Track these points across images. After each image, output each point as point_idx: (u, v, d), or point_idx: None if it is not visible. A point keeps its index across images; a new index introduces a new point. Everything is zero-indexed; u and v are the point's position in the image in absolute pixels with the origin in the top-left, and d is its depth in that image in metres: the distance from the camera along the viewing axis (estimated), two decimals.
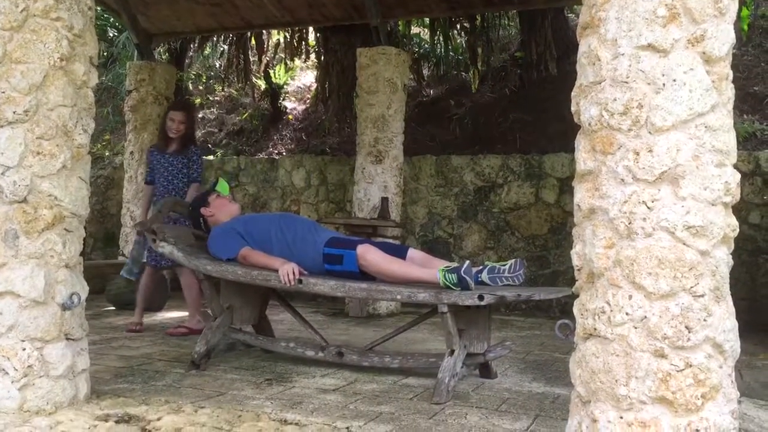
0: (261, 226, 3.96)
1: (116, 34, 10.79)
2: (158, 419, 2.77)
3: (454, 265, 3.46)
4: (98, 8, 6.98)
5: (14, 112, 2.77)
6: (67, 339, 2.90)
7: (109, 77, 10.71)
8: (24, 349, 2.75)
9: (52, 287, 2.83)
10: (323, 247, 3.78)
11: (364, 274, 3.69)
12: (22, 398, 2.74)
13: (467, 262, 3.41)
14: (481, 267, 3.57)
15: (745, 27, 6.66)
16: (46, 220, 2.80)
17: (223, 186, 4.38)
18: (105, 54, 10.61)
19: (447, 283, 3.37)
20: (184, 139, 5.19)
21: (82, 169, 3.00)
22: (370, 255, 3.64)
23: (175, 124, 5.13)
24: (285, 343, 4.01)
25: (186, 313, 5.94)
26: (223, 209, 4.21)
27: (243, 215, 4.28)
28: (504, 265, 3.52)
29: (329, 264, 3.75)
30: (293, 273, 3.59)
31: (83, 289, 2.99)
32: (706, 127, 2.02)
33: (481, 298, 3.19)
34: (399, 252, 3.82)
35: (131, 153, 7.47)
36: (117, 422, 2.73)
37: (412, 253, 3.87)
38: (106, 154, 9.30)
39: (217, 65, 11.57)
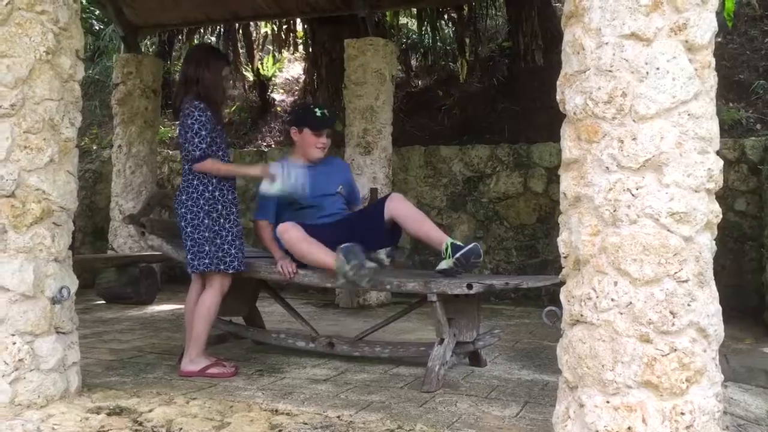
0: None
1: (102, 26, 10.72)
2: (150, 411, 2.79)
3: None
4: (83, 1, 6.93)
5: (0, 107, 2.76)
6: (58, 333, 2.90)
7: (96, 70, 10.64)
8: (14, 343, 2.75)
9: (42, 281, 2.83)
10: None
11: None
12: (14, 392, 2.75)
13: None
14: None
15: (731, 14, 6.69)
16: (34, 215, 2.80)
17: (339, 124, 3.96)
18: (92, 47, 10.54)
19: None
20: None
21: (69, 163, 3.00)
22: (287, 234, 3.60)
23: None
24: (276, 335, 4.03)
25: (177, 306, 5.94)
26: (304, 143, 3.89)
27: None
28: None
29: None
30: (291, 266, 3.64)
31: (73, 283, 2.99)
32: (689, 114, 2.04)
33: (470, 286, 3.22)
34: (378, 205, 3.82)
35: (119, 146, 7.43)
36: (108, 414, 2.74)
37: (396, 203, 3.75)
38: (94, 147, 9.25)
39: None
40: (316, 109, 3.94)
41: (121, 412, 2.79)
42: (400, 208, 3.69)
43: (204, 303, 3.49)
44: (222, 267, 3.45)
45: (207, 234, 3.43)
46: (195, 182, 3.47)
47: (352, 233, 3.71)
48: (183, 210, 3.47)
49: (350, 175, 4.21)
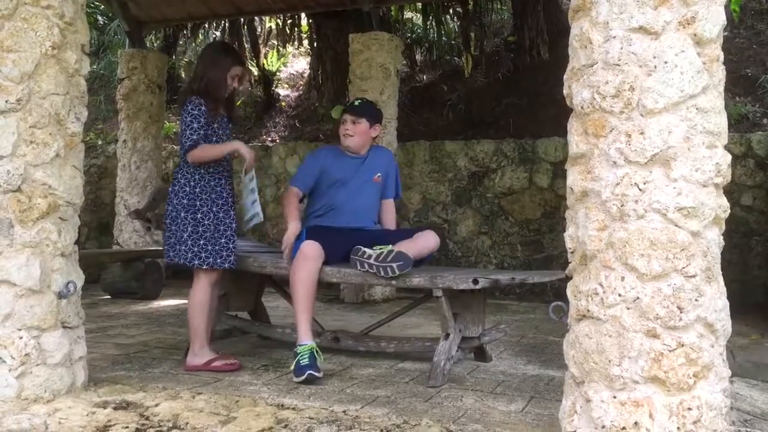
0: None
1: (107, 21, 10.72)
2: (156, 405, 2.79)
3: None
4: None
5: (6, 101, 2.76)
6: (64, 327, 2.91)
7: (101, 65, 10.64)
8: (21, 338, 2.75)
9: (48, 276, 2.83)
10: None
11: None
12: (20, 386, 2.75)
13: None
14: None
15: (737, 8, 6.66)
16: (40, 209, 2.80)
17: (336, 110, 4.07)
18: (96, 42, 10.54)
19: None
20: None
21: (75, 158, 3.00)
22: (303, 257, 3.54)
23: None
24: (281, 330, 4.02)
25: (182, 301, 5.95)
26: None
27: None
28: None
29: None
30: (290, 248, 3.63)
31: (79, 278, 3.00)
32: (697, 109, 2.03)
33: (475, 281, 3.21)
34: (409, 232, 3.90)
35: (124, 141, 7.43)
36: (115, 409, 2.75)
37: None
38: (99, 143, 9.25)
39: None
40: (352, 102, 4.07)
41: (127, 406, 2.80)
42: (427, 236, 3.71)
43: (193, 296, 3.53)
44: (196, 262, 3.45)
45: (182, 228, 3.44)
46: (179, 176, 3.52)
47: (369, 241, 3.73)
48: (166, 202, 3.56)
49: (392, 166, 4.26)
